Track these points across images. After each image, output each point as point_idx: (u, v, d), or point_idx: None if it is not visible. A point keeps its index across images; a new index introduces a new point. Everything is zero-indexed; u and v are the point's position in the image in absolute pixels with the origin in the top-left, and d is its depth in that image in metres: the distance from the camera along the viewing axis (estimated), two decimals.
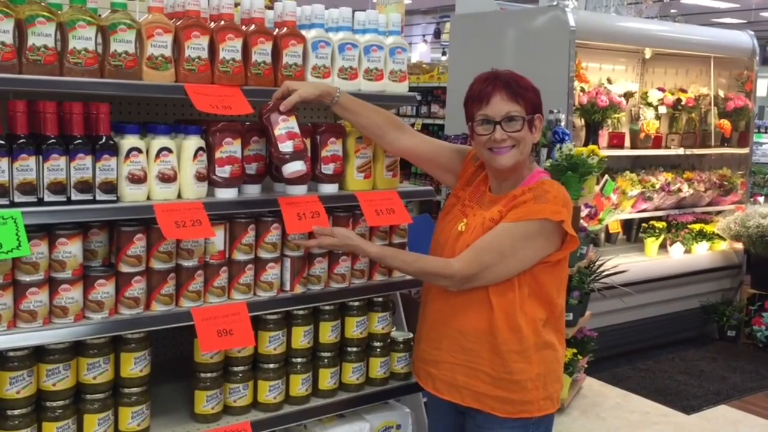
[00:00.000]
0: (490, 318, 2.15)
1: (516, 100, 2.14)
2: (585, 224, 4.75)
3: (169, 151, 2.13)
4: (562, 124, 4.43)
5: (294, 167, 2.21)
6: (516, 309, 2.14)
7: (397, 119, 2.42)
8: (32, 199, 1.93)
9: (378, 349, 2.58)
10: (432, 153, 2.42)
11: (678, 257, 5.84)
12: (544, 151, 4.26)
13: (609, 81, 5.78)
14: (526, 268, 2.14)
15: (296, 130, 2.24)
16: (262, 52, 2.27)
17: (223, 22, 2.21)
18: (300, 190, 2.37)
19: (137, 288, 2.10)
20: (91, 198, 2.01)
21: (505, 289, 2.14)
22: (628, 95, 5.73)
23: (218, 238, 2.23)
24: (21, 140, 1.91)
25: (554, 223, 2.11)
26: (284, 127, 2.22)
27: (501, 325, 2.14)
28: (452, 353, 2.23)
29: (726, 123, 6.22)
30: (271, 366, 2.37)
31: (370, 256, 2.29)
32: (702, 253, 5.95)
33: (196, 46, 2.15)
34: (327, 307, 2.47)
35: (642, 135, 5.77)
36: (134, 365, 2.13)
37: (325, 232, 2.24)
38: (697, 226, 5.96)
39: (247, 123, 2.33)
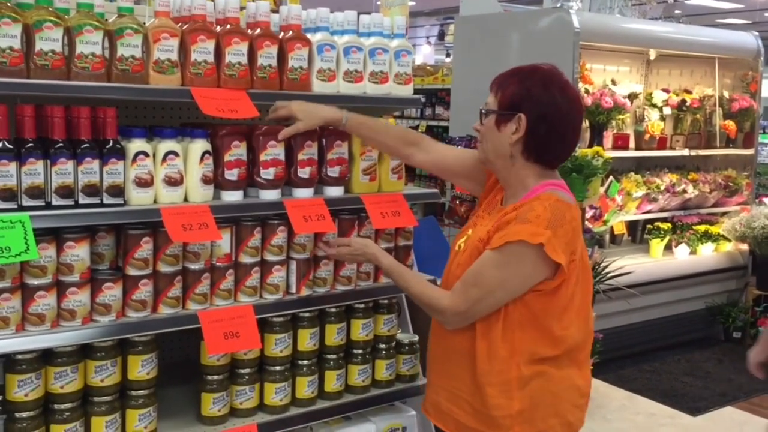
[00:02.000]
0: (472, 344, 2.01)
1: (495, 92, 2.03)
2: (590, 225, 4.75)
3: (176, 154, 2.14)
4: None
5: (269, 195, 2.29)
6: (498, 338, 1.96)
7: (410, 134, 2.39)
8: (40, 203, 1.95)
9: (384, 351, 2.59)
10: (452, 164, 2.35)
11: (683, 258, 5.83)
12: None
13: (613, 82, 5.77)
14: (517, 296, 1.95)
15: (281, 157, 2.30)
16: (267, 56, 2.28)
17: (228, 26, 2.22)
18: (306, 193, 2.38)
19: (144, 291, 2.11)
20: (99, 202, 2.02)
21: (489, 315, 1.98)
22: (632, 96, 5.72)
23: (225, 241, 2.24)
24: (29, 144, 1.92)
25: (534, 246, 1.88)
26: (271, 153, 2.27)
27: (481, 354, 1.98)
28: (439, 376, 2.14)
29: (731, 124, 6.21)
30: (278, 368, 2.38)
31: (382, 267, 2.25)
32: (707, 255, 5.94)
33: (203, 50, 2.16)
34: (333, 310, 2.47)
35: (647, 136, 5.77)
36: (141, 368, 2.14)
37: (343, 243, 2.27)
38: (702, 227, 5.95)
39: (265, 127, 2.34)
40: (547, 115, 1.97)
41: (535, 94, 1.97)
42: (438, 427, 2.16)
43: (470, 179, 2.32)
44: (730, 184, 6.17)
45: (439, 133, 7.49)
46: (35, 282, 1.95)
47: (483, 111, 2.05)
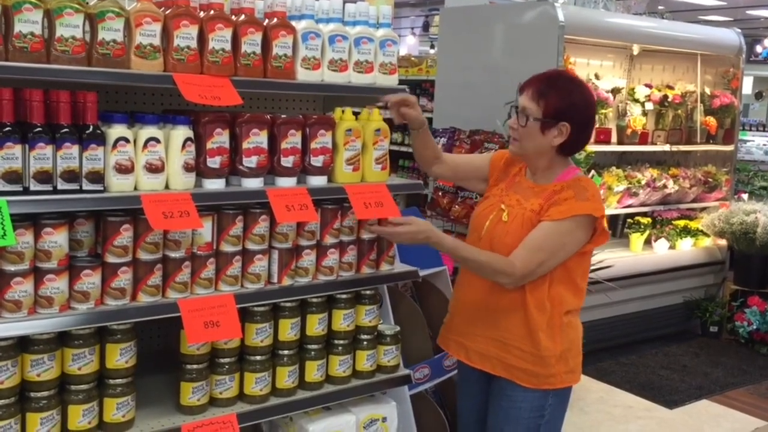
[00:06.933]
0: (523, 302, 2.33)
1: (536, 99, 2.29)
2: None
3: (157, 141, 2.11)
4: None
5: (251, 184, 2.27)
6: (544, 294, 2.33)
7: (438, 149, 2.67)
8: (18, 188, 1.91)
9: (365, 342, 2.58)
10: (465, 172, 2.67)
11: (662, 253, 5.88)
12: None
13: (597, 76, 5.79)
14: (568, 258, 2.32)
15: (264, 145, 2.28)
16: (251, 43, 2.25)
17: (212, 12, 2.19)
18: (289, 182, 2.36)
19: (123, 279, 2.09)
20: (78, 188, 1.99)
21: (538, 278, 2.31)
22: (615, 91, 5.75)
23: (206, 230, 2.22)
24: (6, 128, 1.89)
25: (593, 218, 2.30)
26: (254, 141, 2.26)
27: (531, 308, 2.33)
28: (487, 329, 2.40)
29: (712, 120, 6.25)
30: (258, 358, 2.36)
31: (445, 246, 2.34)
32: (686, 249, 5.99)
33: (185, 36, 2.14)
34: (314, 300, 2.46)
35: (628, 131, 5.79)
36: (120, 356, 2.12)
37: (403, 221, 2.35)
38: (681, 223, 5.99)
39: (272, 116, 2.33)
40: (587, 123, 2.36)
41: (579, 106, 2.31)
42: (478, 368, 2.44)
43: (481, 180, 2.62)
44: (710, 180, 6.22)
45: None
46: (12, 268, 1.92)
47: (527, 116, 2.29)
